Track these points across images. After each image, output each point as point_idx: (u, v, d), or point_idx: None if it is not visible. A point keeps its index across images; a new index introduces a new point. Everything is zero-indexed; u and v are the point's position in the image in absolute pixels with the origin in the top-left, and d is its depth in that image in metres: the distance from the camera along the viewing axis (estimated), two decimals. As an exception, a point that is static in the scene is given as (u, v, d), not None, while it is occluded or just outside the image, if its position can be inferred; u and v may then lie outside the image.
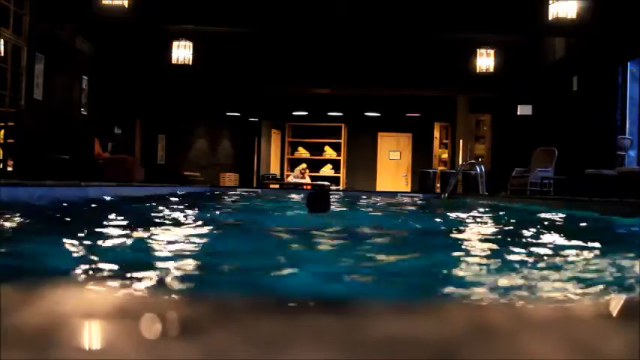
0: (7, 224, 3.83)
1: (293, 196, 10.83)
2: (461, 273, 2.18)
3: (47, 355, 0.65)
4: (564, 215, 6.41)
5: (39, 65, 10.46)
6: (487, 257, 2.77)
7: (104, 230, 3.43)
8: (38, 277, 1.92)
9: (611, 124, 10.25)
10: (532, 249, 2.95)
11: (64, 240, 2.80)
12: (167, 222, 4.66)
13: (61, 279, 1.84)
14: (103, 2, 10.44)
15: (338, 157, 19.75)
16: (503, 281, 2.03)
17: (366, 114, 19.33)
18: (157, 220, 4.83)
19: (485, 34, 12.85)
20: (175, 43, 12.85)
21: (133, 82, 14.80)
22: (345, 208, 7.72)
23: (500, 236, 4.27)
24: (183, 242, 3.09)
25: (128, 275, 1.96)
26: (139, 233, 3.41)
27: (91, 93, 12.66)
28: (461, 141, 15.98)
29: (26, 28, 9.99)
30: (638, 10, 9.46)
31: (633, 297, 1.73)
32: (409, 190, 17.76)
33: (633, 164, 9.91)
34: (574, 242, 3.56)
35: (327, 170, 19.74)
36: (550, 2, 10.36)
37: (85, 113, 12.49)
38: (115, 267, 2.12)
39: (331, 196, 6.12)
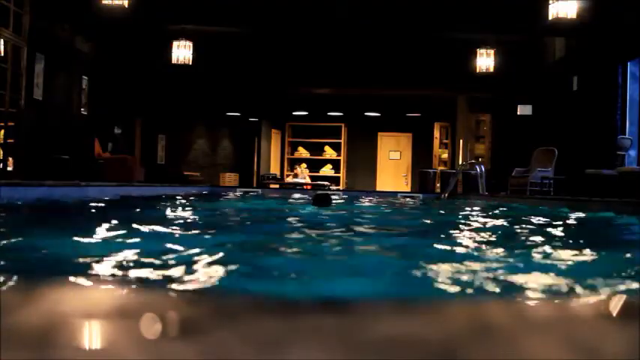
0: (7, 224, 3.83)
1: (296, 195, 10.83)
2: (460, 273, 2.18)
3: (47, 355, 0.65)
4: (564, 215, 6.41)
5: (39, 65, 10.46)
6: (486, 257, 2.77)
7: (104, 230, 3.43)
8: (38, 277, 1.92)
9: (611, 124, 10.25)
10: (531, 249, 2.95)
11: (64, 240, 2.80)
12: (167, 221, 4.66)
13: (61, 279, 1.83)
14: (103, 2, 10.43)
15: (338, 157, 19.75)
16: (503, 280, 2.03)
17: (366, 114, 19.33)
18: (158, 220, 4.83)
19: (485, 34, 12.85)
20: (175, 43, 12.85)
21: (133, 82, 14.81)
22: (345, 209, 7.72)
23: (499, 236, 4.27)
24: (183, 241, 3.09)
25: (128, 275, 1.96)
26: (139, 233, 3.41)
27: (91, 93, 12.67)
28: (461, 141, 15.98)
29: (26, 28, 9.99)
30: (638, 10, 9.46)
31: (633, 297, 1.73)
32: (409, 190, 17.75)
33: (633, 164, 9.90)
34: (574, 242, 3.56)
35: (327, 170, 19.73)
36: (550, 2, 10.35)
37: (85, 113, 12.49)
38: (116, 267, 2.12)
39: (333, 196, 7.42)
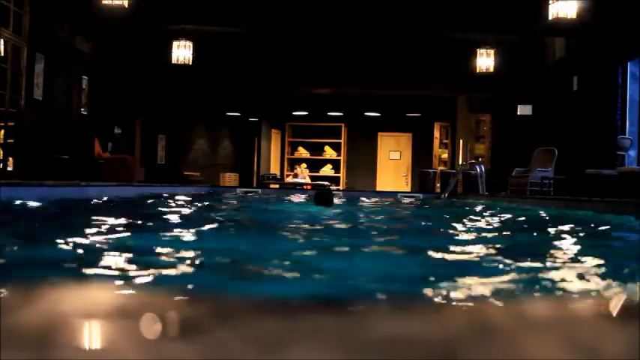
0: (7, 224, 3.82)
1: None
2: (460, 273, 2.18)
3: (47, 355, 0.65)
4: (564, 215, 6.41)
5: (39, 65, 10.46)
6: (486, 257, 2.77)
7: (104, 230, 3.43)
8: (38, 277, 1.92)
9: (611, 124, 10.25)
10: (531, 249, 2.95)
11: (64, 240, 2.80)
12: (167, 221, 4.66)
13: (61, 279, 1.83)
14: (103, 2, 10.43)
15: (338, 157, 19.75)
16: (503, 281, 2.03)
17: (366, 114, 19.32)
18: (157, 220, 4.83)
19: (485, 34, 12.85)
20: (175, 43, 12.85)
21: (133, 82, 14.81)
22: (345, 208, 7.72)
23: (499, 236, 4.27)
24: (183, 241, 3.09)
25: (128, 275, 1.96)
26: (139, 233, 3.42)
27: (91, 93, 12.67)
28: (461, 141, 15.98)
29: (26, 28, 9.99)
30: (638, 10, 9.46)
31: (633, 297, 1.73)
32: (409, 190, 17.75)
33: (633, 164, 9.90)
34: (574, 242, 3.56)
35: (327, 170, 19.73)
36: (550, 2, 10.35)
37: (85, 113, 12.49)
38: (116, 267, 2.12)
39: (334, 196, 7.39)
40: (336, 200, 8.33)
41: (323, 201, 6.78)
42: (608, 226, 5.16)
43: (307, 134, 19.72)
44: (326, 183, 17.77)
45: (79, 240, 2.85)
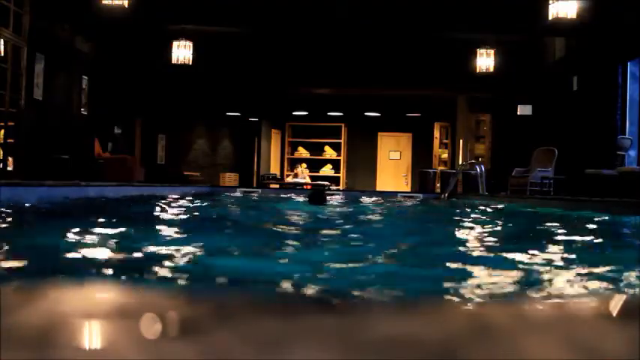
0: (7, 224, 3.82)
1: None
2: (460, 273, 2.18)
3: (47, 355, 0.65)
4: (564, 215, 6.41)
5: (39, 65, 10.46)
6: (486, 257, 2.77)
7: (104, 230, 3.43)
8: (38, 277, 1.92)
9: (611, 124, 10.24)
10: (531, 249, 2.95)
11: (64, 240, 2.80)
12: (167, 221, 4.66)
13: (61, 279, 1.83)
14: (103, 2, 10.43)
15: (338, 157, 19.75)
16: (503, 281, 2.03)
17: (366, 114, 19.33)
18: (157, 220, 4.83)
19: (485, 34, 12.85)
20: (175, 43, 12.85)
21: (133, 82, 14.81)
22: (344, 209, 7.73)
23: (499, 236, 4.27)
24: (183, 241, 3.09)
25: (128, 275, 1.96)
26: (139, 233, 3.42)
27: (91, 93, 12.67)
28: (461, 141, 15.98)
29: (26, 28, 9.99)
30: (638, 10, 9.46)
31: (633, 297, 1.73)
32: (409, 190, 17.75)
33: (633, 164, 9.90)
34: (574, 242, 3.57)
35: (327, 170, 19.73)
36: (550, 2, 10.35)
37: (85, 113, 12.49)
38: (116, 267, 2.12)
39: (329, 195, 8.03)
40: (336, 200, 8.39)
41: (316, 200, 7.32)
42: (608, 226, 5.16)
43: (307, 134, 19.73)
44: (326, 183, 17.78)
45: (78, 240, 2.86)
